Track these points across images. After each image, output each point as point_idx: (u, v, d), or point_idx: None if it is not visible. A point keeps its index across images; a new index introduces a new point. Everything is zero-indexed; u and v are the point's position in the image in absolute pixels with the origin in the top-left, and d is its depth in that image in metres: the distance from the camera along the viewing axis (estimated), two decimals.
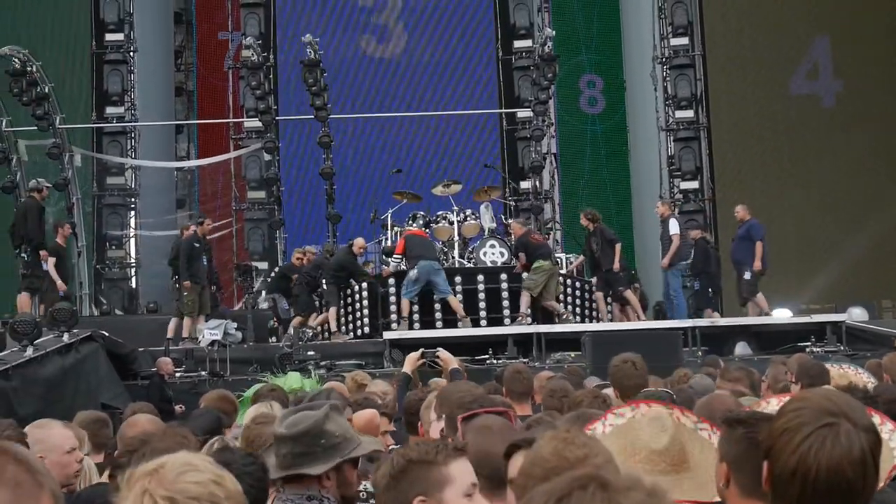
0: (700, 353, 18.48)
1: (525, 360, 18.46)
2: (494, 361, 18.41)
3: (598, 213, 22.03)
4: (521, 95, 30.29)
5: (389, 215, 23.27)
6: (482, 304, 20.85)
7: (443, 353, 8.65)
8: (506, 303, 20.92)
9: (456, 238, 22.26)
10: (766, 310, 21.41)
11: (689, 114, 29.43)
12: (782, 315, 23.20)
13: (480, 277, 21.08)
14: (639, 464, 4.17)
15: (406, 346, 19.12)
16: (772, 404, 4.38)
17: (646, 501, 2.04)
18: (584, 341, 17.67)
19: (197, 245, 21.23)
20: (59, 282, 21.06)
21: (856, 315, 22.27)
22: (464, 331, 19.95)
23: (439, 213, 22.89)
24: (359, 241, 21.94)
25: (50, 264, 21.00)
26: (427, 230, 22.04)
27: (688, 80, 29.47)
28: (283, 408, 7.19)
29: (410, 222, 22.50)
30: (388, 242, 22.83)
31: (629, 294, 21.57)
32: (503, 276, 21.07)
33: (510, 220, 22.36)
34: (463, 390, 6.00)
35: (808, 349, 18.08)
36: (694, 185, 29.10)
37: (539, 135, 26.14)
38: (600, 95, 33.71)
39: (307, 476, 4.42)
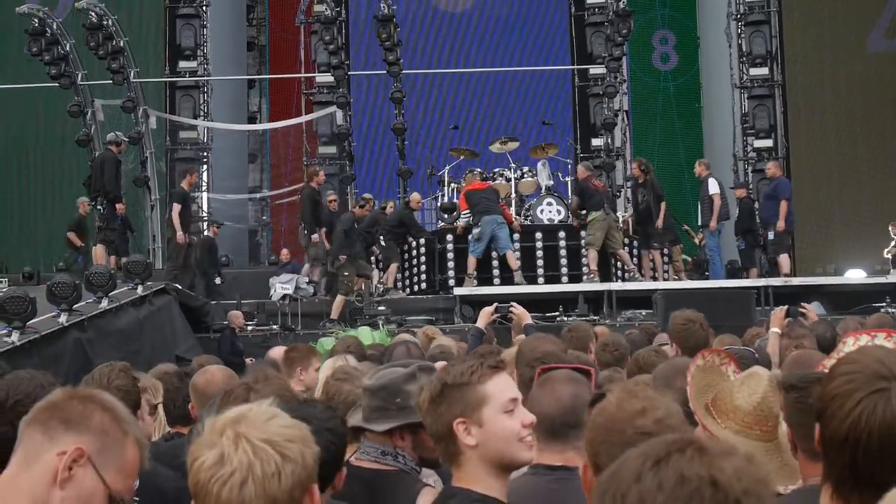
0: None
1: (596, 317, 18.44)
2: (565, 318, 18.35)
3: (650, 165, 21.98)
4: (593, 51, 30.06)
5: (446, 171, 23.27)
6: (540, 262, 20.85)
7: (517, 308, 8.55)
8: (564, 261, 20.91)
9: (512, 195, 22.22)
10: (786, 273, 21.10)
11: (764, 71, 29.10)
12: (856, 275, 22.99)
13: (538, 235, 21.07)
14: (730, 423, 4.14)
15: (476, 302, 19.18)
16: (847, 344, 4.34)
17: (745, 468, 2.01)
18: (655, 300, 17.57)
19: (356, 225, 20.97)
20: (179, 232, 20.67)
21: None
22: (534, 287, 19.97)
23: (496, 169, 22.86)
24: (415, 196, 21.98)
25: (175, 211, 20.86)
26: (489, 181, 21.95)
27: (763, 36, 29.12)
28: (359, 361, 7.23)
29: (469, 177, 22.48)
30: (445, 199, 22.86)
31: (655, 253, 21.49)
32: (561, 234, 21.05)
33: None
34: (540, 347, 5.95)
35: (883, 309, 17.86)
36: (768, 143, 28.82)
37: (612, 91, 25.92)
38: (673, 52, 33.41)
39: (376, 433, 4.45)
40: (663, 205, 21.37)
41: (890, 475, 2.67)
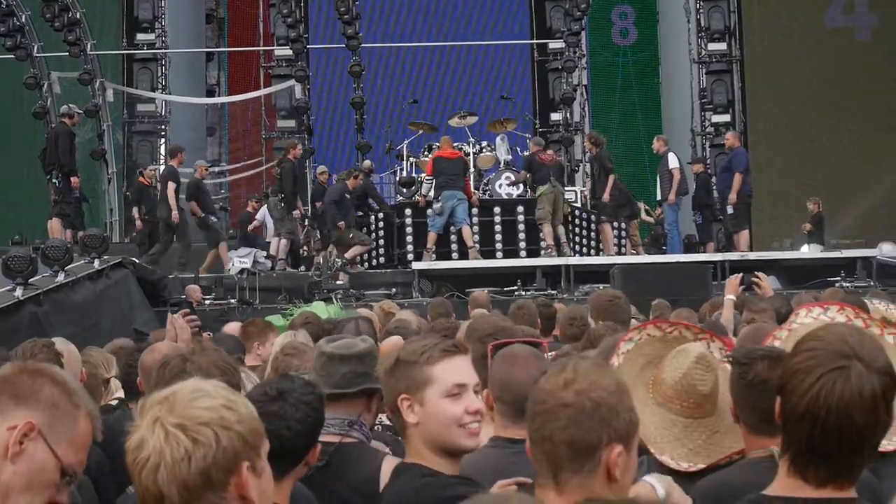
0: None
1: (553, 291, 18.48)
2: (523, 293, 18.38)
3: (601, 138, 22.04)
4: (552, 26, 30.06)
5: (405, 146, 23.27)
6: (498, 237, 20.94)
7: None
8: (522, 235, 21.00)
9: (471, 170, 22.23)
10: (743, 250, 21.17)
11: (723, 46, 29.15)
12: (812, 250, 23.15)
13: (497, 209, 21.15)
14: (656, 394, 4.17)
15: (435, 277, 19.23)
16: (800, 316, 4.38)
17: None
18: (613, 274, 17.65)
19: (347, 196, 20.97)
20: (174, 211, 20.51)
21: (886, 250, 22.12)
22: (492, 262, 20.05)
23: (455, 144, 22.86)
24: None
25: (170, 189, 20.67)
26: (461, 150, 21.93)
27: (721, 12, 29.16)
28: (314, 337, 7.20)
29: (426, 153, 22.47)
30: (404, 173, 22.88)
31: (605, 227, 21.54)
32: (520, 209, 21.13)
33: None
34: (490, 322, 5.99)
35: (837, 284, 18.00)
36: (726, 118, 28.86)
37: (571, 66, 25.95)
38: (632, 27, 33.44)
39: (353, 400, 4.46)
40: (611, 178, 21.32)
41: (846, 452, 2.76)
